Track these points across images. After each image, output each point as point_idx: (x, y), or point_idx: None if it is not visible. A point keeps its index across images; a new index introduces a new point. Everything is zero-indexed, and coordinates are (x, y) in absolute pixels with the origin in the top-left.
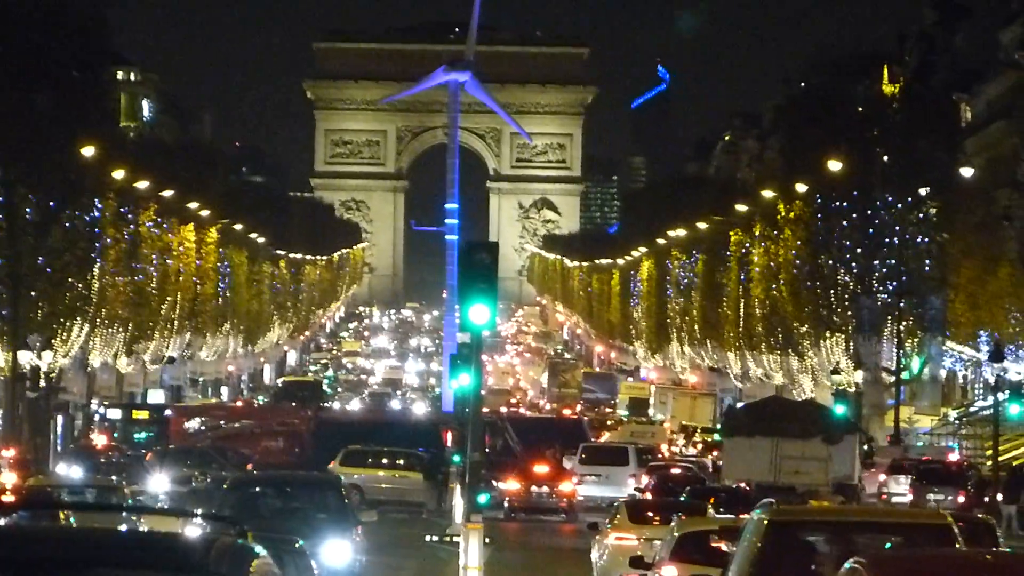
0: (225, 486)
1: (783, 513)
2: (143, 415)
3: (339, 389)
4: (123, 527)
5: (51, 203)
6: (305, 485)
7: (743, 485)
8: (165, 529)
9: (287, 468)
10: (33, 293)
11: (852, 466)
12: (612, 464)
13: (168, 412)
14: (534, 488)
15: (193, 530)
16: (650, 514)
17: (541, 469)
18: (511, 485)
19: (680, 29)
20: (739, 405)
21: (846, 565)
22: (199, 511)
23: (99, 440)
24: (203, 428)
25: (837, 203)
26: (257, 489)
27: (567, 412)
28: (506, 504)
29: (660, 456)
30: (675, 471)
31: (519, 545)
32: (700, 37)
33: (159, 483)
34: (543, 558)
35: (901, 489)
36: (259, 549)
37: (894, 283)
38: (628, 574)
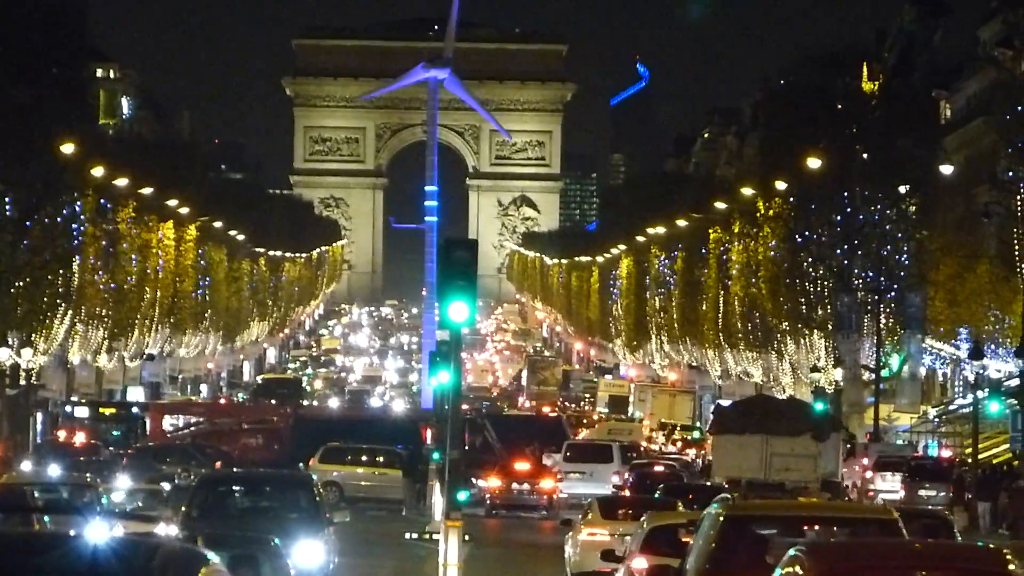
0: (193, 484)
1: (738, 508)
2: (111, 412)
3: (318, 386)
4: (74, 531)
5: (30, 200)
6: (277, 483)
7: (723, 482)
8: (136, 531)
9: (262, 465)
10: (12, 290)
11: (836, 463)
12: (596, 461)
13: (135, 409)
14: (515, 485)
15: (157, 533)
16: (621, 511)
17: (522, 466)
18: (492, 482)
19: (687, 15)
20: (726, 403)
21: (789, 552)
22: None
23: (78, 438)
24: (185, 426)
25: (816, 200)
26: (227, 487)
27: (547, 410)
28: (487, 501)
29: (645, 453)
30: (657, 468)
31: (498, 542)
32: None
33: (124, 482)
34: (522, 554)
35: (888, 486)
36: (210, 555)
37: (873, 280)
38: (600, 568)
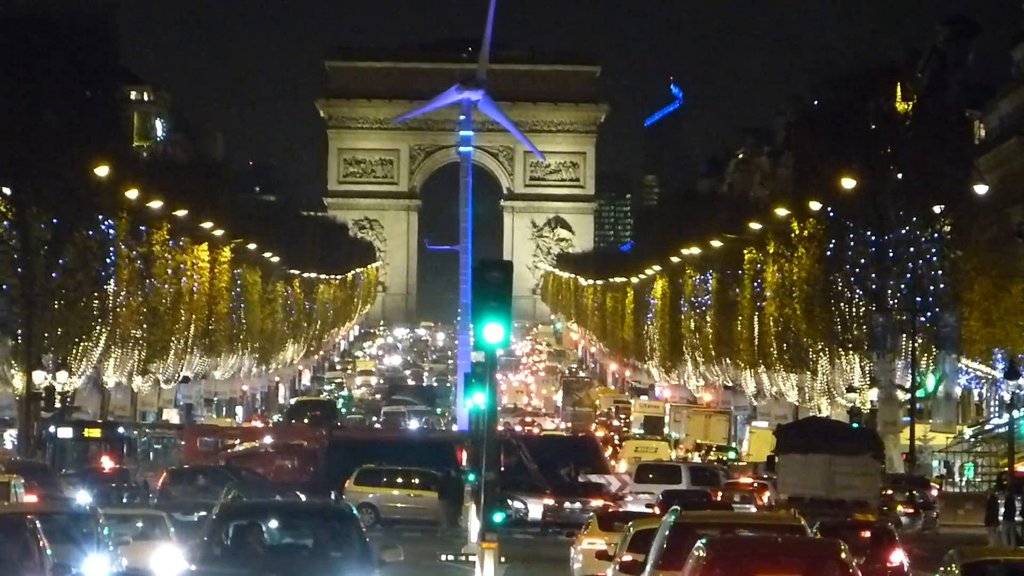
0: (214, 515)
1: (684, 517)
2: (95, 433)
3: (353, 408)
4: (74, 565)
5: (64, 222)
6: (316, 515)
7: (786, 499)
8: (142, 559)
9: (296, 488)
10: (46, 313)
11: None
12: (665, 482)
13: (121, 430)
14: (567, 504)
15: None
16: (616, 523)
17: (575, 486)
18: (546, 500)
19: None
20: (788, 424)
21: (698, 543)
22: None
23: (105, 462)
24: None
25: (850, 221)
26: (255, 520)
27: (600, 434)
28: (541, 519)
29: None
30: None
31: (535, 558)
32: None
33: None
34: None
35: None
36: None
37: (908, 300)
38: (598, 573)
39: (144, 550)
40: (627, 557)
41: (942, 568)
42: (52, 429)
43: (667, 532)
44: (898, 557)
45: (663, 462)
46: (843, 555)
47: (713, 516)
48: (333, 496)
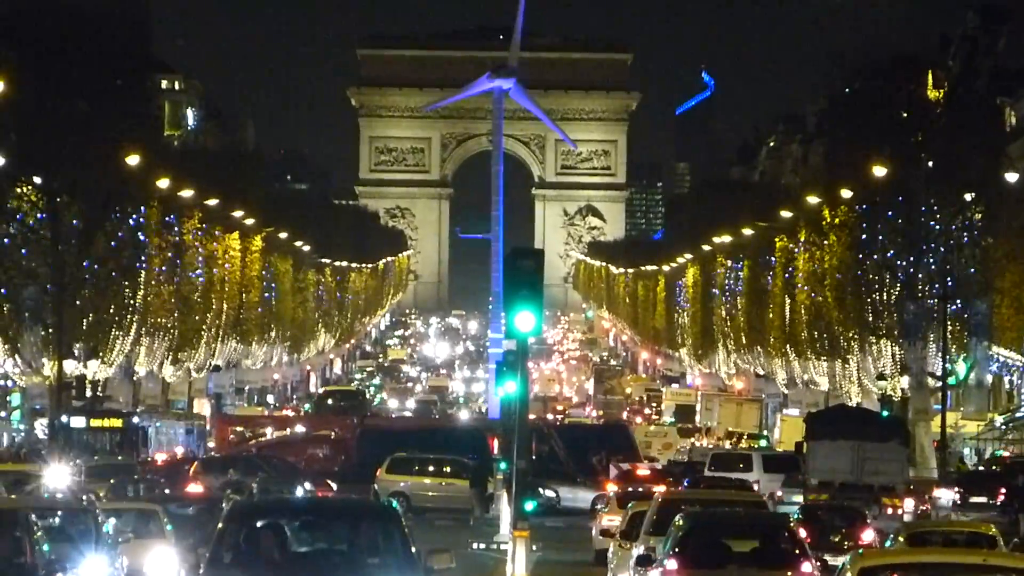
0: (224, 515)
1: (669, 495)
2: (103, 423)
3: (385, 397)
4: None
5: (95, 212)
6: (350, 515)
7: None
8: (136, 560)
9: (328, 477)
10: (78, 302)
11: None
12: (737, 470)
13: (136, 420)
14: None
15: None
16: (631, 502)
17: (643, 472)
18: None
19: None
20: (818, 411)
21: (677, 515)
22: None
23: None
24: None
25: (882, 208)
26: (273, 520)
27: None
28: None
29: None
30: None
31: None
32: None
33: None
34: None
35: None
36: None
37: (939, 288)
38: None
39: (137, 550)
40: (624, 528)
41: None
42: (64, 419)
43: (655, 506)
44: (869, 536)
45: (736, 451)
46: (791, 525)
47: (692, 494)
48: (375, 489)
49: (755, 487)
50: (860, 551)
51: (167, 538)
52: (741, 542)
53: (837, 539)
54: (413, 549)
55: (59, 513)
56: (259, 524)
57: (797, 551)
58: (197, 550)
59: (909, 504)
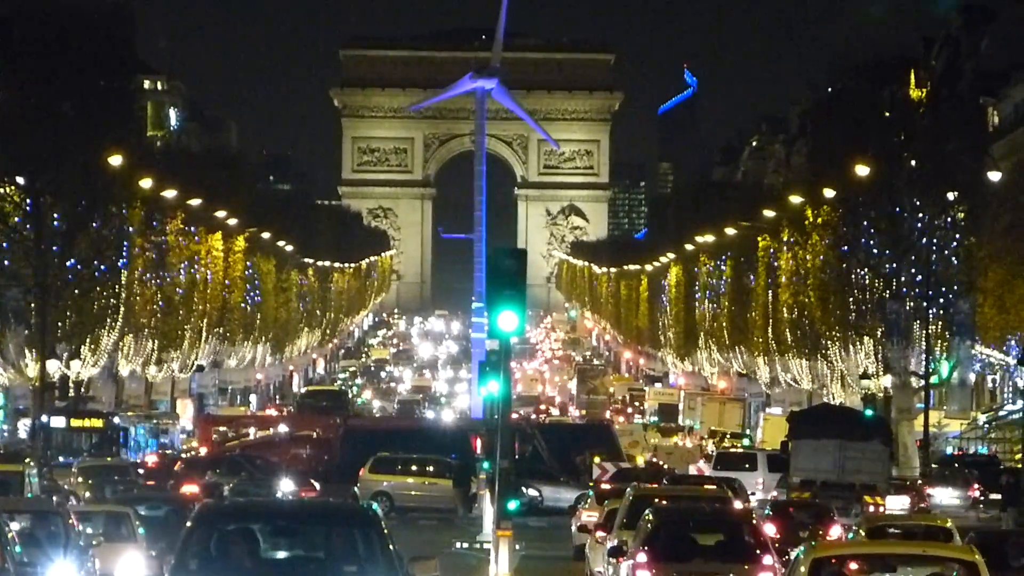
0: (189, 521)
1: (641, 490)
2: (84, 423)
3: (368, 397)
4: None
5: (78, 212)
6: (327, 518)
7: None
8: (107, 565)
9: (312, 477)
10: (60, 303)
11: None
12: (742, 469)
13: (117, 420)
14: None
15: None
16: (607, 500)
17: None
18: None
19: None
20: (801, 410)
21: (647, 510)
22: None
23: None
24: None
25: (864, 208)
26: (242, 526)
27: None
28: None
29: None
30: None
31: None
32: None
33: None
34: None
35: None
36: None
37: (922, 287)
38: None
39: (108, 554)
40: (600, 523)
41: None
42: (44, 419)
43: (628, 502)
44: (836, 531)
45: (740, 450)
46: (754, 519)
47: (663, 490)
48: (355, 490)
49: (759, 486)
50: (813, 543)
51: (138, 542)
52: (707, 536)
53: (805, 535)
54: (395, 555)
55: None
56: (228, 529)
57: (759, 545)
58: (165, 557)
59: (904, 502)
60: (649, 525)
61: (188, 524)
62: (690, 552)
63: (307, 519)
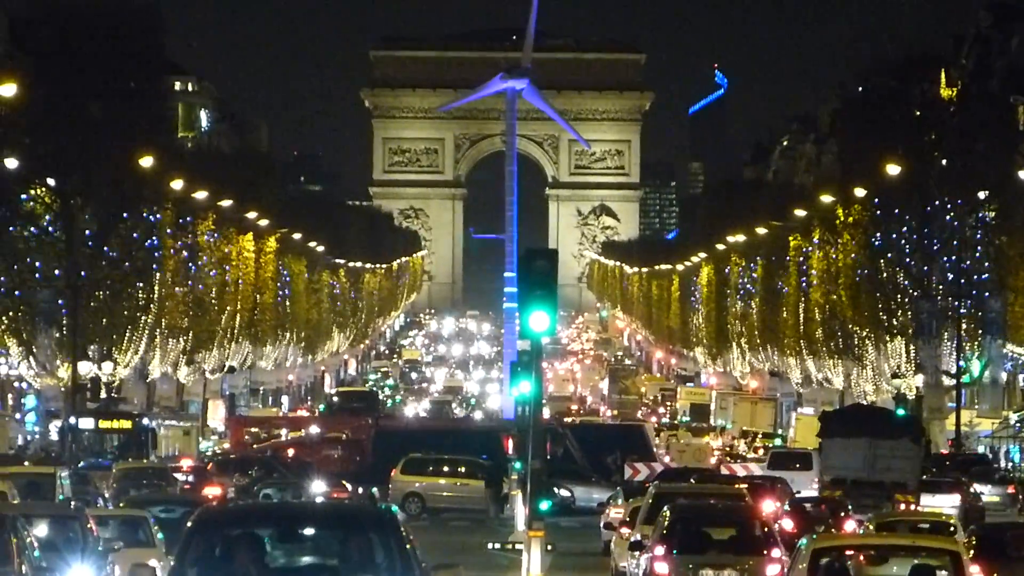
0: (190, 524)
1: (662, 488)
2: (112, 424)
3: (400, 397)
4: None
5: (109, 214)
6: (340, 523)
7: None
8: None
9: (344, 478)
10: (92, 304)
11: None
12: (797, 468)
13: (146, 421)
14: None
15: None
16: (632, 498)
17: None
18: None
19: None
20: (832, 410)
21: (664, 507)
22: None
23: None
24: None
25: (895, 207)
26: (245, 531)
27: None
28: None
29: None
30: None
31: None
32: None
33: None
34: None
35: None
36: None
37: (953, 286)
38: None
39: (127, 559)
40: (625, 520)
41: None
42: (72, 420)
43: (650, 499)
44: (850, 526)
45: (794, 449)
46: (763, 514)
47: (683, 487)
48: (375, 491)
49: (814, 484)
50: (814, 535)
51: (156, 547)
52: (720, 531)
53: (821, 529)
54: (415, 563)
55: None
56: (232, 534)
57: (768, 538)
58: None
59: (955, 500)
60: (666, 521)
61: (187, 529)
62: (704, 545)
63: (319, 523)
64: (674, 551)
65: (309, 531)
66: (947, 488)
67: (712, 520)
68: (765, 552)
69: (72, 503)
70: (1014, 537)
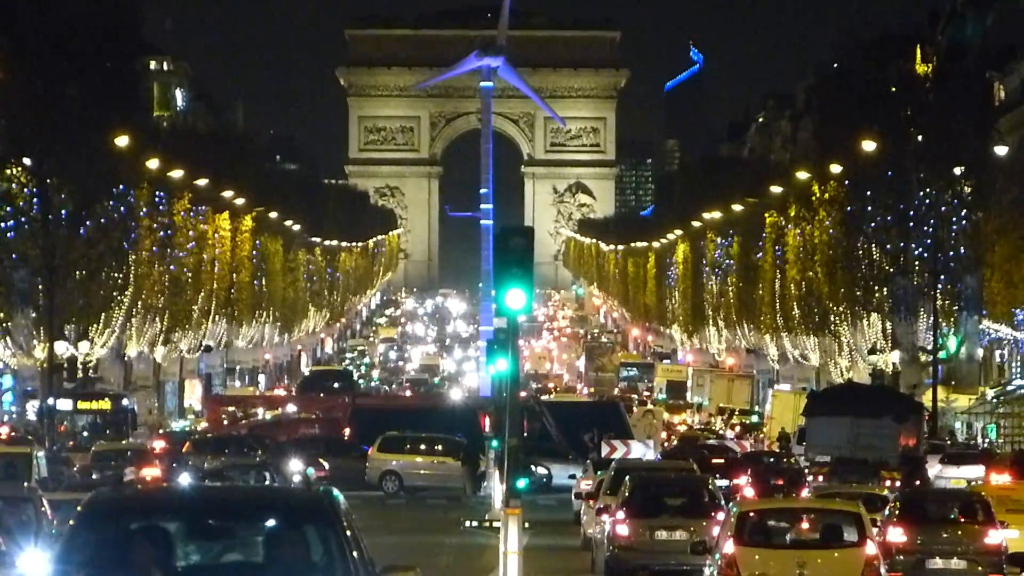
0: (76, 514)
1: (623, 463)
2: (91, 405)
3: (375, 377)
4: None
5: (85, 193)
6: (265, 512)
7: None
8: None
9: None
10: (68, 284)
11: (918, 440)
12: None
13: (125, 401)
14: None
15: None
16: (599, 471)
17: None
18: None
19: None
20: (817, 389)
21: (624, 479)
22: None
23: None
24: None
25: (871, 184)
26: (144, 524)
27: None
28: None
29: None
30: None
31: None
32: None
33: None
34: None
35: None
36: None
37: (929, 262)
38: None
39: None
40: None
41: None
42: (51, 401)
43: (611, 472)
44: (805, 494)
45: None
46: (711, 486)
47: (638, 463)
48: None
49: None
50: (739, 499)
51: None
52: (673, 498)
53: (780, 496)
54: (358, 563)
55: None
56: (129, 528)
57: (714, 503)
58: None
59: (978, 471)
60: (627, 489)
61: (72, 522)
62: (659, 509)
63: (240, 513)
64: (633, 515)
65: (228, 523)
66: (971, 460)
67: (667, 489)
68: (712, 515)
69: (25, 485)
70: (934, 500)
